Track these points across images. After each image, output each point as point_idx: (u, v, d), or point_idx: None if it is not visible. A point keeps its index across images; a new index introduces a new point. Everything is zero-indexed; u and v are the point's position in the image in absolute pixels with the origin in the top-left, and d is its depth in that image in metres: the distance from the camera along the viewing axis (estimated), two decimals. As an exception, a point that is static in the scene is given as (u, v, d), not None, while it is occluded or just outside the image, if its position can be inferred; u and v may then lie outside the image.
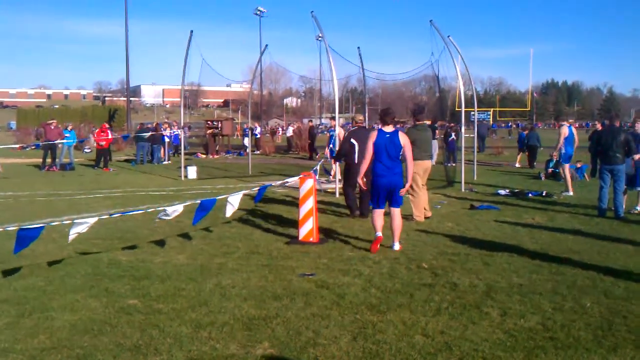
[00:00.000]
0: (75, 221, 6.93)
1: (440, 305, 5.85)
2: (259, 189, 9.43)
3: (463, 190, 15.33)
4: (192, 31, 18.52)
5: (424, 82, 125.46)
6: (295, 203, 12.86)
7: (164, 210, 7.91)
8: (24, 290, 6.44)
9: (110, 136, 25.37)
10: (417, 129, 11.23)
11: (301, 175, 9.19)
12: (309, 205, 8.93)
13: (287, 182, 10.10)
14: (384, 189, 8.35)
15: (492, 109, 60.23)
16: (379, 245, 8.29)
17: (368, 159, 8.48)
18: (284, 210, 12.11)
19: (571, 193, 14.50)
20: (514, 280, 6.77)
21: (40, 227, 6.61)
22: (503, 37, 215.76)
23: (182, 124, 22.02)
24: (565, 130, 14.99)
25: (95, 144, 26.46)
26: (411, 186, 11.01)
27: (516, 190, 14.85)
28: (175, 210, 7.93)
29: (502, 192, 14.85)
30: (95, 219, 7.02)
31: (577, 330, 5.17)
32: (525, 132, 26.25)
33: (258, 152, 34.24)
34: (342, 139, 12.82)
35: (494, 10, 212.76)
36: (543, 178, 18.56)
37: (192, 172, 19.87)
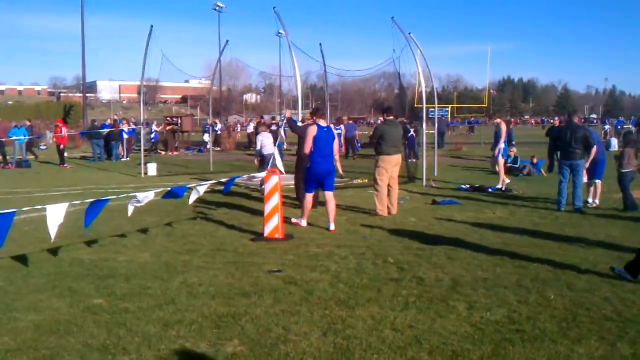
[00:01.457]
0: (48, 208, 6.73)
1: (408, 299, 5.91)
2: (227, 180, 9.35)
3: (424, 185, 15.48)
4: (152, 26, 18.31)
5: (383, 78, 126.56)
6: (257, 199, 12.85)
7: (135, 197, 7.76)
8: (-16, 291, 6.28)
9: (64, 132, 24.83)
10: (386, 123, 11.31)
11: (266, 172, 9.16)
12: (274, 201, 8.90)
13: (255, 176, 10.04)
14: (321, 174, 9.67)
15: (450, 106, 60.80)
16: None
17: (307, 151, 9.66)
18: (247, 207, 12.05)
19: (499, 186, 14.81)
20: (479, 274, 6.87)
21: (12, 212, 6.41)
22: (460, 35, 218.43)
23: (141, 120, 21.67)
24: (505, 127, 15.25)
25: (53, 141, 25.92)
26: (375, 180, 11.13)
27: (477, 185, 15.05)
28: (146, 196, 7.79)
29: (464, 187, 15.04)
30: (66, 204, 6.83)
31: (542, 322, 5.28)
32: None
33: (218, 148, 33.95)
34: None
35: (451, 8, 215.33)
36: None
37: (152, 169, 19.61)
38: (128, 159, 27.18)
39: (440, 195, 13.49)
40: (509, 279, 6.65)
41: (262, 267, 7.20)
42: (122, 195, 8.21)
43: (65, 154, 24.39)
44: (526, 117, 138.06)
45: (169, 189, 8.32)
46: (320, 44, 21.53)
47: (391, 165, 11.13)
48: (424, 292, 6.14)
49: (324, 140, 9.65)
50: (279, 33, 78.23)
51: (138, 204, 7.85)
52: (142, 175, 19.24)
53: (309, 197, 10.01)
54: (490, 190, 14.56)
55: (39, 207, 7.13)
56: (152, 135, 32.17)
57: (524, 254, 7.76)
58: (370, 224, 10.15)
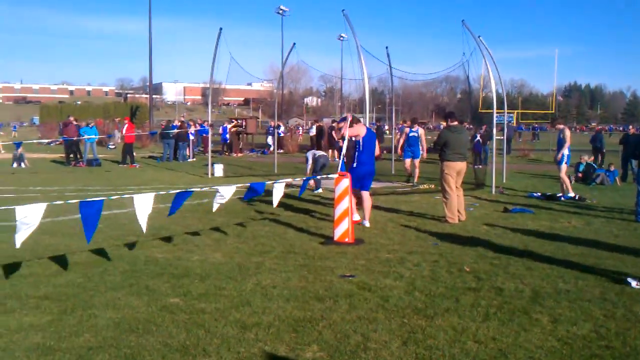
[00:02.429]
0: (135, 198, 6.88)
1: (488, 310, 5.71)
2: (302, 181, 9.41)
3: (494, 192, 15.13)
4: (221, 28, 18.50)
5: (445, 82, 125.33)
6: (324, 203, 12.81)
7: (217, 191, 7.82)
8: (63, 287, 6.40)
9: (125, 131, 25.39)
10: (450, 130, 11.09)
11: (337, 175, 9.08)
12: (344, 205, 8.81)
13: (329, 176, 10.01)
14: (366, 175, 10.11)
15: (515, 111, 59.62)
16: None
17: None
18: (313, 210, 12.01)
19: (572, 194, 14.32)
20: (560, 285, 6.60)
21: (101, 200, 6.57)
22: (524, 39, 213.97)
23: (209, 122, 21.97)
24: (569, 132, 14.65)
25: (121, 140, 26.57)
26: (443, 188, 10.92)
27: (549, 194, 14.60)
28: (229, 190, 7.86)
29: (535, 194, 14.63)
30: (152, 194, 6.97)
31: (632, 339, 5.00)
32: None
33: (281, 150, 34.15)
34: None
35: (515, 11, 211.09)
36: (573, 181, 18.25)
37: (218, 169, 19.85)
38: (194, 159, 27.64)
39: (510, 203, 13.14)
40: (592, 292, 6.36)
41: (334, 271, 7.12)
42: (204, 189, 8.27)
43: (135, 154, 24.96)
44: (593, 124, 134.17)
45: (249, 185, 8.34)
46: (387, 47, 21.36)
47: (455, 172, 10.92)
48: (504, 303, 5.93)
49: (371, 142, 10.22)
50: (341, 36, 78.37)
51: (223, 200, 7.90)
52: (209, 175, 19.48)
53: (367, 195, 10.21)
54: (563, 199, 14.10)
55: (116, 196, 7.21)
56: (224, 137, 32.69)
57: (606, 267, 7.43)
58: (440, 231, 9.95)
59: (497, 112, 16.68)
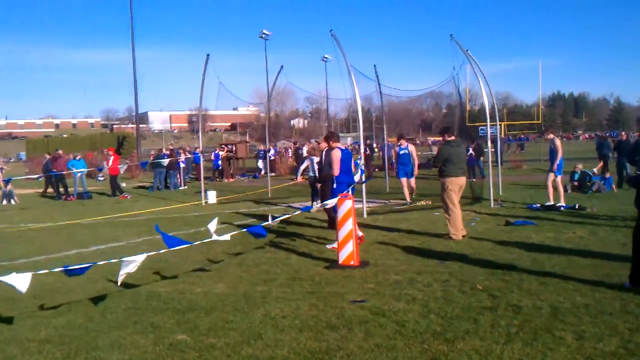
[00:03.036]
0: (124, 260, 6.58)
1: (509, 330, 5.50)
2: (302, 209, 9.23)
3: (492, 205, 14.98)
4: (208, 55, 18.44)
5: (430, 98, 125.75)
6: (322, 226, 12.57)
7: (211, 234, 7.65)
8: (64, 328, 6.14)
9: (111, 163, 24.88)
10: (450, 145, 10.96)
11: (339, 197, 8.89)
12: (348, 227, 8.61)
13: (326, 204, 9.78)
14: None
15: (502, 123, 59.89)
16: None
17: (337, 173, 10.21)
18: (312, 234, 11.77)
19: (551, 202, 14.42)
20: (578, 300, 6.41)
21: (87, 266, 6.27)
22: (506, 52, 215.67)
23: (201, 148, 21.75)
24: (559, 142, 14.66)
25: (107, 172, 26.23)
26: (446, 204, 10.74)
27: (548, 204, 14.46)
28: (223, 237, 7.69)
29: (534, 205, 14.50)
30: (144, 255, 6.69)
31: (663, 353, 4.81)
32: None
33: (273, 174, 33.93)
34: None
35: (496, 24, 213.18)
36: (569, 190, 18.16)
37: (212, 196, 19.59)
38: (186, 187, 27.38)
39: (511, 216, 12.98)
40: (613, 305, 6.16)
41: (344, 297, 6.89)
42: (206, 240, 8.07)
43: (124, 184, 24.64)
44: (579, 132, 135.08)
45: (245, 230, 8.27)
46: (374, 65, 21.32)
47: (458, 187, 10.77)
48: (525, 322, 5.72)
49: (347, 161, 10.46)
50: (325, 57, 78.54)
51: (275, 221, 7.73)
52: (203, 203, 19.21)
53: None
54: (562, 209, 13.97)
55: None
56: (217, 163, 32.46)
57: (620, 278, 7.20)
58: (445, 248, 9.75)
59: (490, 125, 16.57)
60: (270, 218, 8.77)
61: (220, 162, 32.17)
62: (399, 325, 5.75)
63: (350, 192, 9.37)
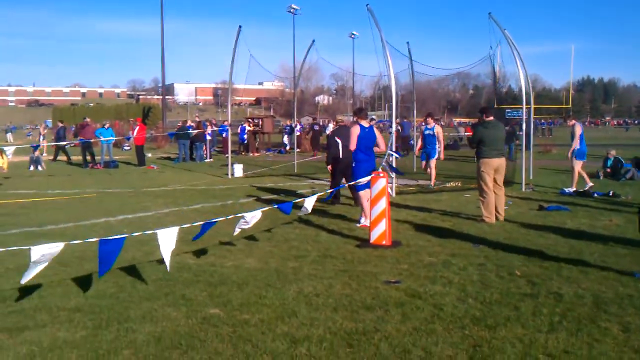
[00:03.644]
0: (159, 232, 6.43)
1: (552, 319, 5.31)
2: (332, 190, 9.04)
3: (524, 189, 14.69)
4: (240, 26, 18.19)
5: (457, 79, 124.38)
6: (349, 203, 12.38)
7: (243, 218, 7.50)
8: (95, 298, 6.07)
9: (135, 133, 24.82)
10: (484, 126, 10.68)
11: (372, 175, 8.70)
12: (381, 206, 8.43)
13: (360, 182, 9.61)
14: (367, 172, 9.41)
15: (530, 106, 59.03)
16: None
17: (353, 148, 9.90)
18: (340, 210, 11.63)
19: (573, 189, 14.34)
20: (621, 290, 6.19)
21: (122, 238, 6.13)
22: (536, 34, 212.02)
23: (229, 121, 21.63)
24: (579, 128, 14.43)
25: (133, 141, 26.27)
26: (480, 186, 10.50)
27: (581, 190, 14.14)
28: (254, 216, 7.50)
29: (567, 191, 14.19)
30: (177, 228, 6.54)
31: None
32: None
33: (298, 149, 33.75)
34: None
35: (527, 7, 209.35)
36: (601, 177, 17.77)
37: (238, 170, 19.50)
38: (211, 160, 27.35)
39: (544, 201, 12.70)
40: (657, 296, 5.95)
41: (378, 277, 6.74)
42: (230, 217, 7.92)
43: (149, 155, 24.66)
44: (607, 118, 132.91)
45: (275, 206, 8.11)
46: (407, 42, 20.88)
47: (492, 169, 10.48)
48: (567, 311, 5.52)
49: (367, 139, 9.95)
50: (353, 34, 77.71)
51: (246, 226, 7.58)
52: (229, 176, 19.14)
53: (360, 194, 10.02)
54: (596, 195, 13.65)
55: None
56: (242, 137, 32.43)
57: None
58: (479, 231, 9.54)
59: (525, 107, 16.22)
60: (304, 208, 8.61)
61: (246, 136, 32.05)
62: (436, 309, 5.59)
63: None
